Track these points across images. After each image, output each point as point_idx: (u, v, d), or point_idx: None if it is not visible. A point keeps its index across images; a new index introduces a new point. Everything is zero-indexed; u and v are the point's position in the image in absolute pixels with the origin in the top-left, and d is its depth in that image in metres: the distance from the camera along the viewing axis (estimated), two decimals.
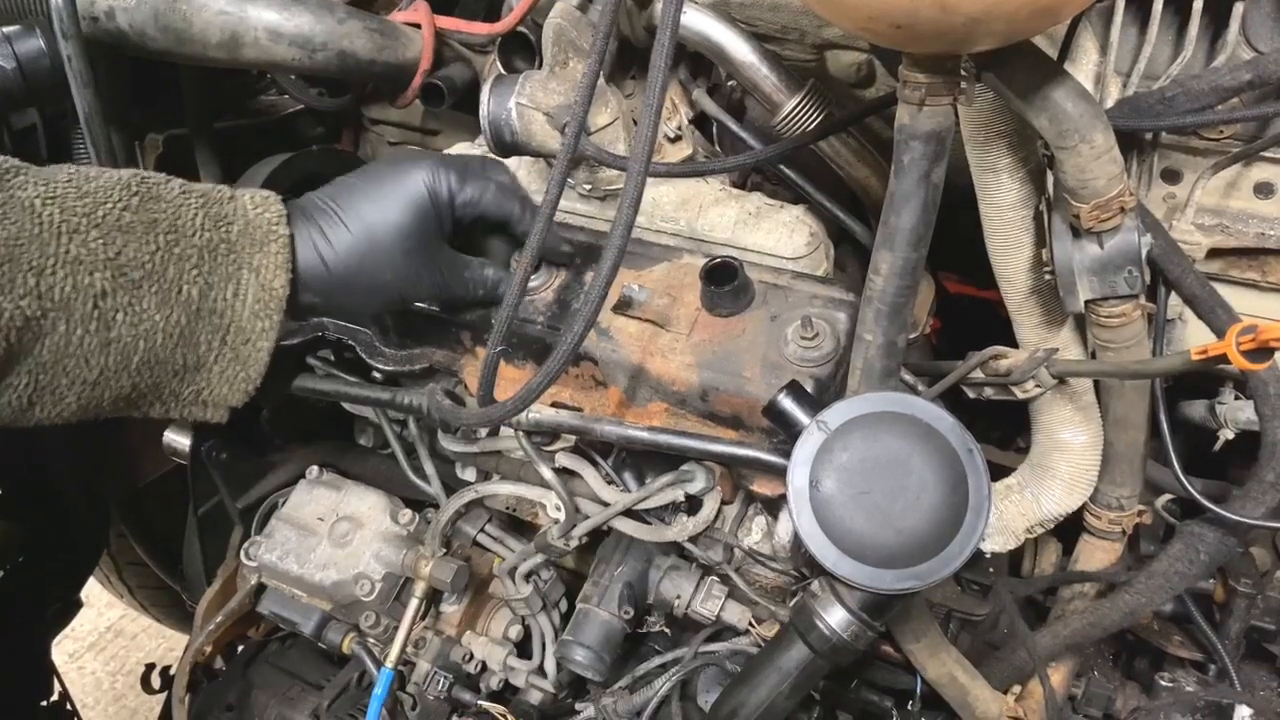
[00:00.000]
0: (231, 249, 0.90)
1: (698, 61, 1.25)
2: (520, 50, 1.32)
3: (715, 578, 1.17)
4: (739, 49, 1.12)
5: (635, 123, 1.14)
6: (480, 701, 1.26)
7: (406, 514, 1.28)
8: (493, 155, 1.14)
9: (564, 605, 1.30)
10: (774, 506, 1.12)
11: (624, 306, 1.08)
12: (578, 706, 1.25)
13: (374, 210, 0.98)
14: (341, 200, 0.98)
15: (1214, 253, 1.04)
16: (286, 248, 0.93)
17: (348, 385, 1.19)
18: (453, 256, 1.05)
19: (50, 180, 0.84)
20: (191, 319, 0.89)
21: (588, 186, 1.20)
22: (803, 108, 1.12)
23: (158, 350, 0.88)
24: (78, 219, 0.84)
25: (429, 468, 1.30)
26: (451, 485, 1.29)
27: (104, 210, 0.85)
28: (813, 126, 1.12)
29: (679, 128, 1.22)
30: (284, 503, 1.33)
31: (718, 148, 1.30)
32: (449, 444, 1.23)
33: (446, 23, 1.38)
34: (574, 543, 1.14)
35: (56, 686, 1.64)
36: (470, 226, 1.06)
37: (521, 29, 1.30)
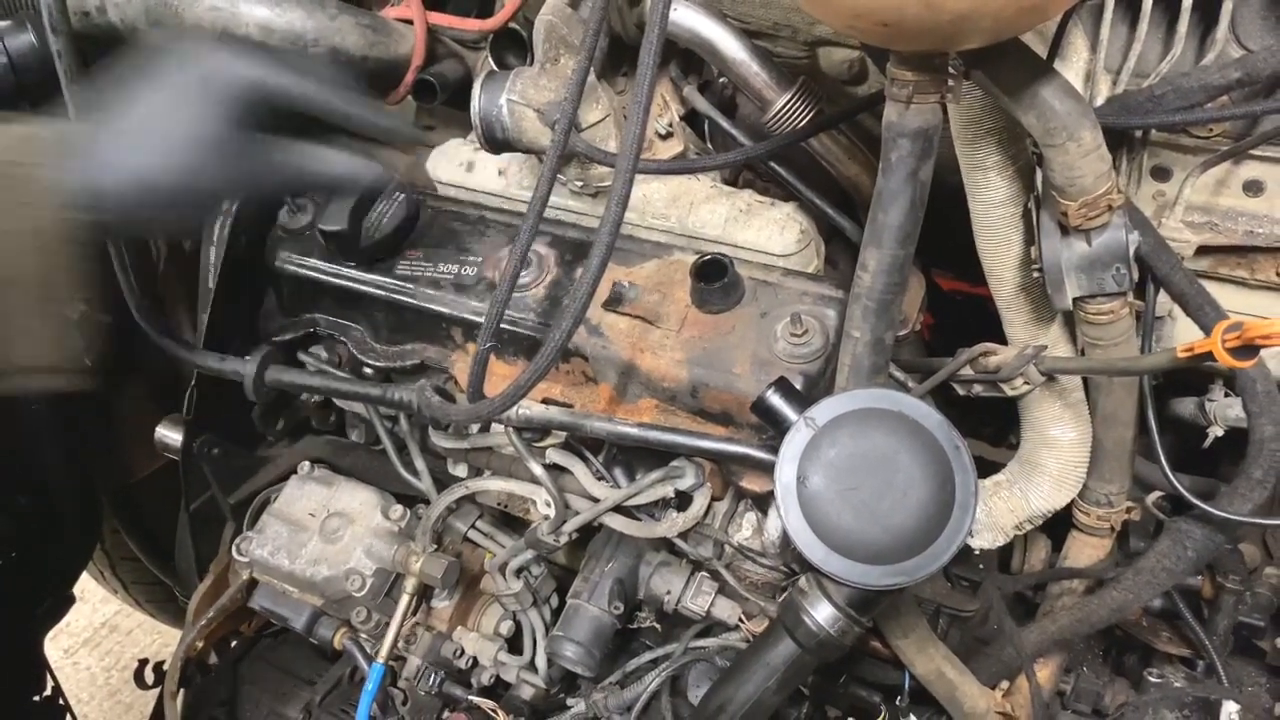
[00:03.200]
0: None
1: (689, 58, 1.25)
2: (512, 47, 1.32)
3: (705, 574, 1.17)
4: (730, 46, 1.12)
5: (626, 119, 1.14)
6: (471, 697, 1.27)
7: (397, 509, 1.28)
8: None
9: (555, 601, 1.30)
10: (764, 503, 1.12)
11: (614, 303, 1.09)
12: (569, 702, 1.25)
13: (159, 110, 0.87)
14: (115, 116, 0.88)
15: (1203, 250, 1.04)
16: (49, 189, 0.83)
17: (338, 381, 1.20)
18: (266, 148, 0.92)
19: None
20: None
21: (579, 183, 1.20)
22: (794, 105, 1.12)
23: None
24: None
25: (420, 463, 1.30)
26: (443, 481, 1.29)
27: None
28: (804, 124, 1.12)
29: (670, 124, 1.22)
30: (275, 498, 1.33)
31: (709, 144, 1.30)
32: (440, 440, 1.24)
33: (438, 19, 1.38)
34: (564, 539, 1.14)
35: (50, 682, 1.64)
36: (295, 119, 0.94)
37: (513, 25, 1.30)
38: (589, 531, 1.19)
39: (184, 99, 0.88)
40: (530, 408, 1.05)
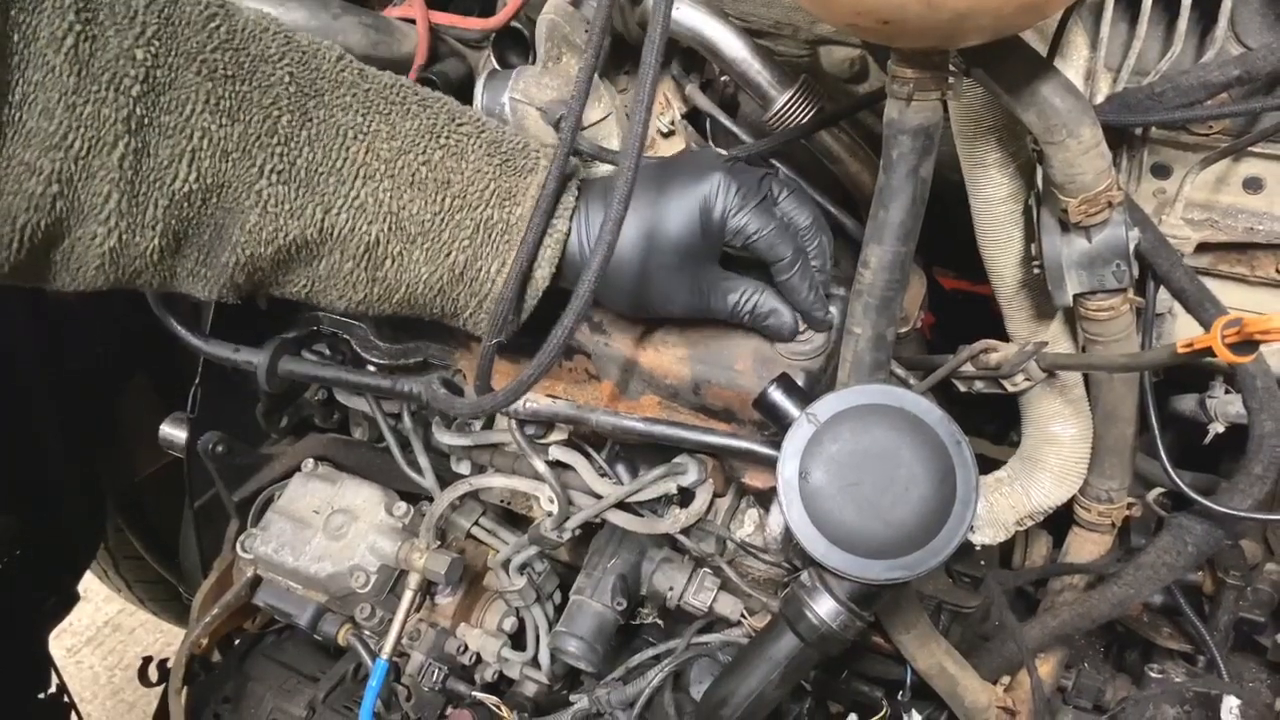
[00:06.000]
0: (507, 230, 0.91)
1: (691, 57, 1.25)
2: (514, 46, 1.32)
3: (708, 570, 1.17)
4: (731, 44, 1.13)
5: (628, 118, 1.15)
6: (475, 693, 1.27)
7: (401, 506, 1.29)
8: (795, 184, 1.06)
9: (558, 597, 1.31)
10: (766, 499, 1.12)
11: None
12: (572, 698, 1.25)
13: (650, 214, 0.95)
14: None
15: (1203, 247, 1.05)
16: (560, 244, 0.93)
17: (346, 372, 1.20)
18: (717, 277, 0.99)
19: (367, 108, 0.86)
20: (453, 281, 0.92)
21: None
22: (795, 103, 1.12)
23: (417, 296, 0.93)
24: (378, 164, 0.86)
25: (423, 461, 1.30)
26: (446, 478, 1.29)
27: (404, 161, 0.87)
28: (805, 121, 1.12)
29: (672, 123, 1.22)
30: (279, 495, 1.33)
31: (710, 142, 1.30)
32: (443, 437, 1.24)
33: (441, 18, 1.39)
34: (567, 535, 1.15)
35: (54, 679, 1.64)
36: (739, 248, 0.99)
37: (516, 24, 1.31)
38: (592, 528, 1.20)
39: (682, 210, 0.94)
40: (536, 401, 1.05)
